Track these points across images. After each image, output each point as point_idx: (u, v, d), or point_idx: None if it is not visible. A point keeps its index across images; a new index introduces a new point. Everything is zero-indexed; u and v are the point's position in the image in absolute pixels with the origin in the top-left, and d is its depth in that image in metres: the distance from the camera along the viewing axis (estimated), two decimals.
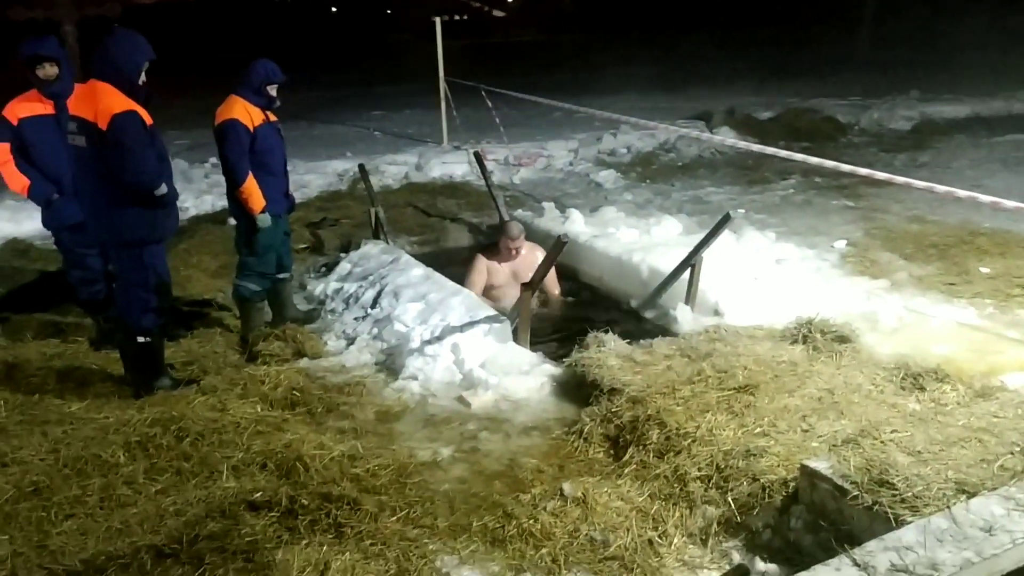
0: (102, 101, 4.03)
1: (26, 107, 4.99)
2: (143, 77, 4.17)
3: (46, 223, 5.26)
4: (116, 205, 4.21)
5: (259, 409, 4.20)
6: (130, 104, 4.07)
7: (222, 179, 5.28)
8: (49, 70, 4.94)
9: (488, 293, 5.96)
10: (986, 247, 6.43)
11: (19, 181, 5.04)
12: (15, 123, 4.98)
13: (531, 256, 5.99)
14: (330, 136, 13.01)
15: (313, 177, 10.01)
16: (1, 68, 9.07)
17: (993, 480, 2.82)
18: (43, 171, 5.03)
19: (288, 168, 5.58)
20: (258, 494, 3.39)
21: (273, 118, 5.28)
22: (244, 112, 5.03)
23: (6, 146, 5.01)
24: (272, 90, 5.12)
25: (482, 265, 6.02)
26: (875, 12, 20.96)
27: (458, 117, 11.77)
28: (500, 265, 6.05)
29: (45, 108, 4.99)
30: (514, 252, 5.98)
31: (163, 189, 4.21)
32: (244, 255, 5.32)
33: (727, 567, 3.07)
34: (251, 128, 5.02)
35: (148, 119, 4.15)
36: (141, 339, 4.45)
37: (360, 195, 8.80)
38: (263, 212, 5.13)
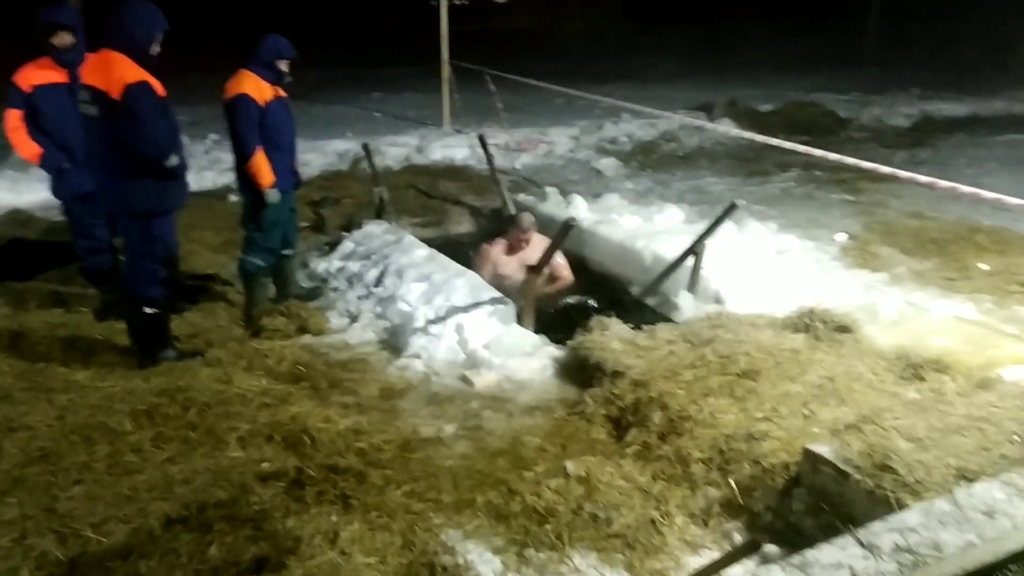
0: (115, 71, 4.02)
1: (40, 74, 4.98)
2: (156, 47, 4.16)
3: (56, 192, 5.25)
4: (126, 175, 4.21)
5: (264, 382, 4.23)
6: (143, 74, 4.06)
7: (222, 155, 5.31)
8: (64, 38, 4.92)
9: (495, 283, 5.83)
10: (985, 244, 6.48)
11: (31, 148, 5.03)
12: (29, 90, 4.97)
13: (540, 246, 5.88)
14: (330, 116, 12.97)
15: (313, 156, 9.98)
16: (6, 37, 9.01)
17: (993, 467, 2.87)
18: (55, 139, 5.03)
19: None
20: (265, 464, 3.42)
21: (283, 94, 5.28)
22: (254, 86, 5.02)
23: (18, 113, 5.00)
24: (283, 65, 5.12)
25: (488, 255, 6.07)
26: (881, 9, 20.96)
27: (459, 100, 11.75)
28: (508, 256, 6.10)
29: (59, 76, 4.99)
30: (524, 244, 6.01)
31: (174, 160, 4.21)
32: (251, 230, 5.33)
33: (728, 547, 3.12)
34: (261, 103, 5.01)
35: (161, 90, 4.14)
36: (148, 310, 4.46)
37: (361, 175, 8.80)
38: (272, 187, 5.13)
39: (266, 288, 5.55)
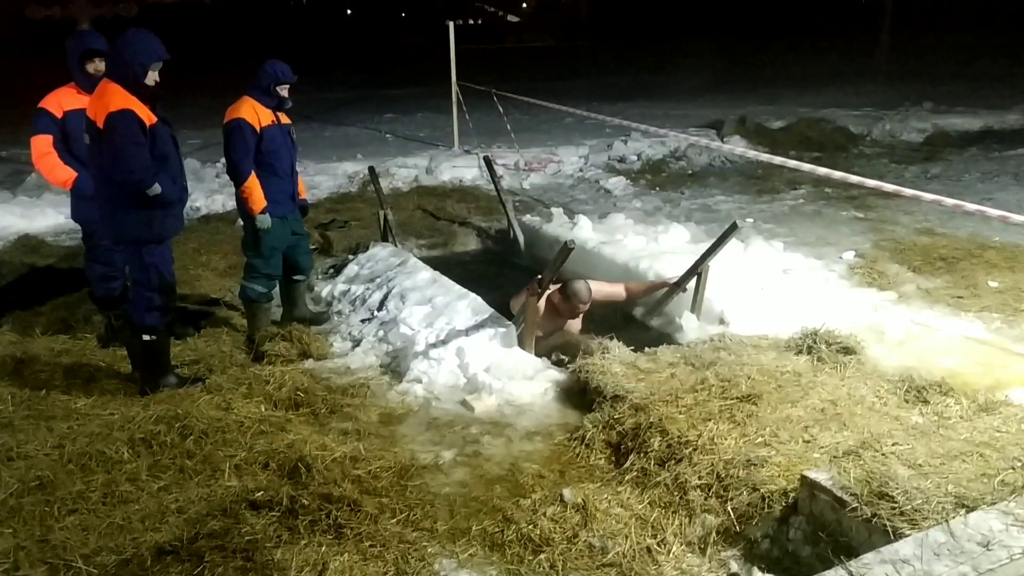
0: (103, 99, 4.10)
1: (71, 100, 5.02)
2: (154, 77, 4.20)
3: (79, 216, 5.26)
4: (114, 203, 4.29)
5: (263, 409, 4.24)
6: (129, 103, 4.11)
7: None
8: (99, 65, 4.96)
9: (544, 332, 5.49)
10: (995, 261, 6.40)
11: (64, 173, 5.05)
12: (60, 116, 5.02)
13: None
14: (341, 138, 13.07)
15: (323, 178, 10.05)
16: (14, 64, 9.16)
17: (993, 495, 2.82)
18: (84, 164, 5.07)
19: (298, 170, 5.62)
20: (259, 493, 3.41)
21: (285, 120, 5.32)
22: (252, 112, 5.07)
23: (49, 138, 5.02)
24: (282, 90, 5.16)
25: (537, 309, 5.28)
26: (893, 25, 20.98)
27: (470, 121, 11.80)
28: (557, 316, 5.56)
29: (87, 102, 5.05)
30: (579, 312, 5.52)
31: (156, 189, 4.23)
32: (250, 256, 5.36)
33: None
34: (257, 128, 5.07)
35: (149, 118, 4.19)
36: (146, 337, 4.48)
37: (370, 197, 8.83)
38: (262, 213, 5.17)
39: (268, 313, 5.56)
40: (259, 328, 5.37)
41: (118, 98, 4.10)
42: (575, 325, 5.62)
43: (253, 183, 5.09)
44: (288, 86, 5.19)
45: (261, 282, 5.36)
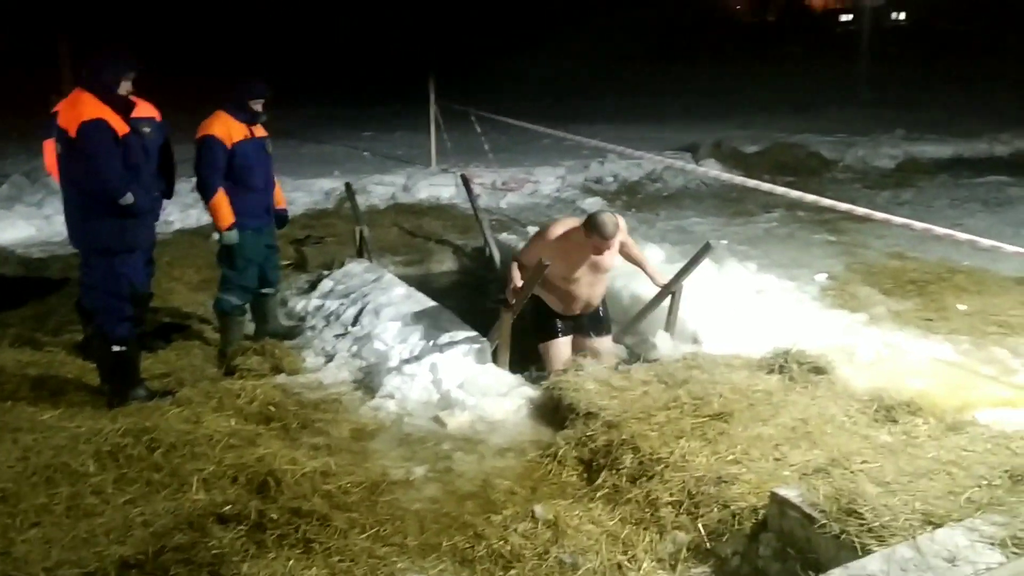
0: (75, 109, 4.10)
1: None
2: (127, 87, 4.21)
3: None
4: (85, 212, 4.29)
5: (233, 423, 4.19)
6: (101, 112, 4.12)
7: None
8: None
9: (554, 277, 4.97)
10: (964, 285, 6.49)
11: None
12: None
13: (618, 249, 5.06)
14: (318, 154, 13.04)
15: (300, 195, 10.01)
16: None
17: (960, 512, 2.84)
18: None
19: (277, 183, 5.62)
20: (227, 507, 3.37)
21: (261, 133, 5.32)
22: (223, 128, 5.09)
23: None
24: (256, 105, 5.17)
25: (547, 245, 4.90)
26: (868, 53, 21.35)
27: (448, 140, 11.83)
28: (580, 254, 4.90)
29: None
30: (606, 250, 4.84)
31: (128, 199, 4.22)
32: (225, 268, 5.34)
33: None
34: (228, 144, 5.08)
35: (121, 128, 4.18)
36: (116, 348, 4.44)
37: (346, 214, 8.81)
38: (229, 229, 5.18)
39: (242, 327, 5.53)
40: (232, 341, 5.34)
41: (90, 108, 4.11)
42: (603, 263, 4.99)
43: (220, 199, 5.11)
44: (262, 100, 5.19)
45: (236, 294, 5.33)
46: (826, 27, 44.32)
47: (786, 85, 23.57)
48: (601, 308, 5.32)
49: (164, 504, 3.46)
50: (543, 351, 5.18)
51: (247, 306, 5.52)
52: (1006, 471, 3.12)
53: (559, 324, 5.16)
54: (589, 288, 5.11)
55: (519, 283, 4.87)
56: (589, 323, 5.25)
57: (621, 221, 4.96)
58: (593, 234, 4.74)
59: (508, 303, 4.91)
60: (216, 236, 7.52)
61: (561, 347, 5.15)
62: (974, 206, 9.93)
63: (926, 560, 2.43)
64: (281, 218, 5.74)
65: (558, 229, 4.99)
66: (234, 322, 5.42)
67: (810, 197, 6.12)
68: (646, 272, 5.33)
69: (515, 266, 4.99)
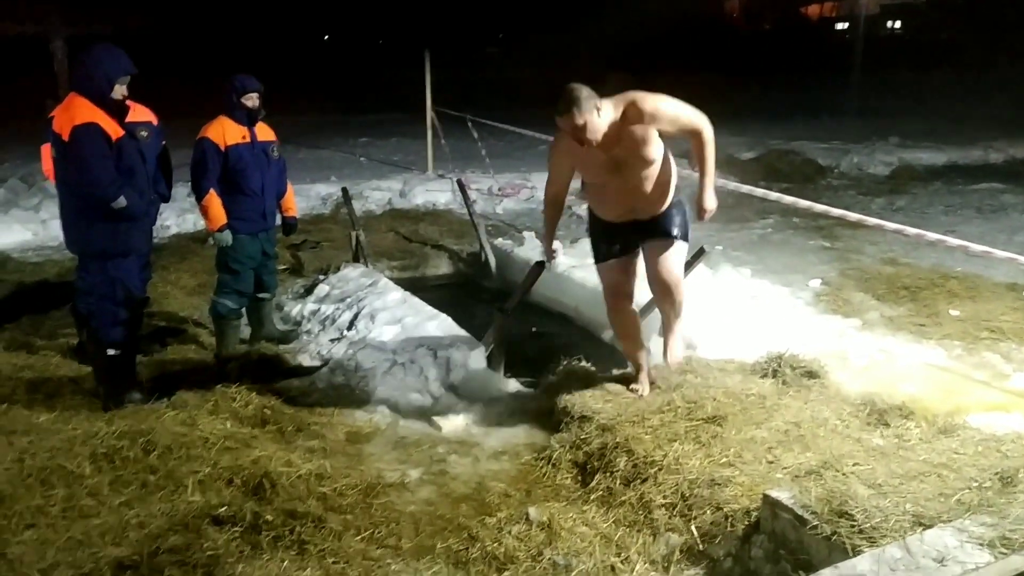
0: (68, 113, 4.12)
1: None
2: (121, 91, 4.23)
3: None
4: (80, 216, 4.31)
5: (229, 425, 4.19)
6: (94, 116, 4.14)
7: None
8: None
9: (588, 185, 4.44)
10: (957, 291, 6.52)
11: None
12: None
13: (606, 124, 3.94)
14: (315, 160, 13.07)
15: (296, 200, 9.99)
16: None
17: (950, 514, 2.86)
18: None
19: (289, 189, 5.73)
20: (222, 509, 3.37)
21: (266, 137, 5.36)
22: (219, 131, 5.15)
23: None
24: (249, 101, 5.20)
25: (556, 154, 4.31)
26: (863, 62, 21.43)
27: (445, 146, 11.86)
28: (582, 155, 4.11)
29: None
30: (583, 134, 3.88)
31: (121, 202, 4.24)
32: (221, 272, 5.36)
33: None
34: (222, 147, 5.11)
35: (115, 132, 4.20)
36: (111, 351, 4.45)
37: (342, 219, 8.83)
38: (220, 231, 5.22)
39: (237, 331, 5.55)
40: (227, 345, 5.36)
41: (84, 111, 4.13)
42: (621, 160, 4.06)
43: (210, 201, 5.16)
44: (255, 95, 5.22)
45: (232, 298, 5.36)
46: (822, 36, 44.48)
47: (781, 93, 23.65)
48: (665, 213, 4.28)
49: (159, 506, 3.46)
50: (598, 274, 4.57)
51: (243, 310, 5.54)
52: (996, 473, 3.15)
53: (604, 245, 4.40)
54: (624, 193, 4.19)
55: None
56: (645, 229, 4.29)
57: (587, 93, 3.85)
58: (559, 115, 3.90)
59: (503, 308, 4.93)
60: (212, 240, 7.59)
61: (605, 272, 4.46)
62: (968, 213, 9.99)
63: (915, 560, 2.45)
64: (289, 225, 5.78)
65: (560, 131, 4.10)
66: (229, 326, 5.43)
67: (804, 203, 6.17)
68: (699, 179, 4.20)
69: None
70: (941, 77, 26.14)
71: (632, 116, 3.97)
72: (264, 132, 5.37)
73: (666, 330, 4.71)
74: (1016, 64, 25.69)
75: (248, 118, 5.22)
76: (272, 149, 5.41)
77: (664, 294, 4.44)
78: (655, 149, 4.08)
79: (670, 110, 4.03)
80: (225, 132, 5.15)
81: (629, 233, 4.34)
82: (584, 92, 3.86)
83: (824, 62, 28.15)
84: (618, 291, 4.48)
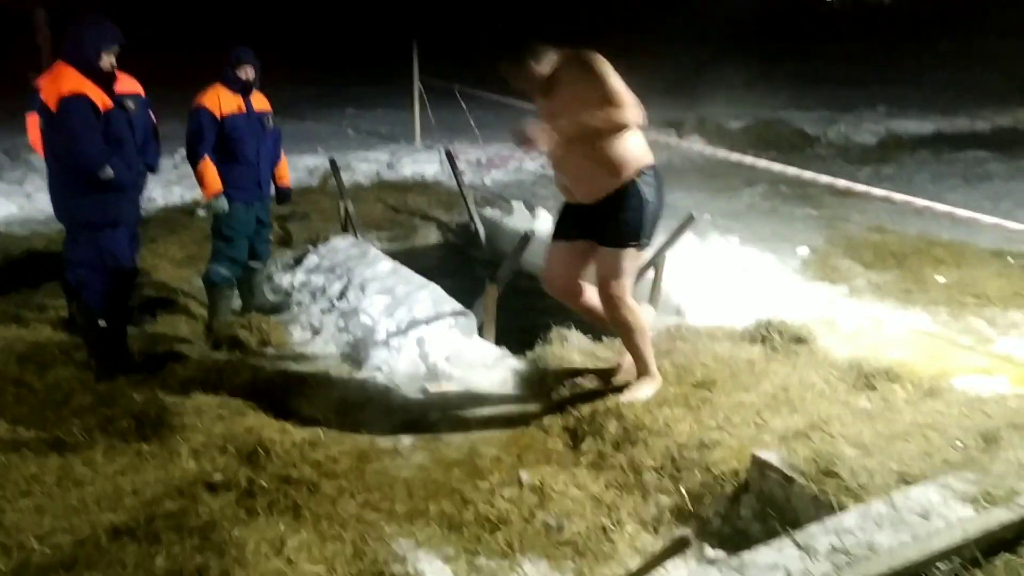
0: (56, 83, 4.09)
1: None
2: (110, 60, 4.19)
3: None
4: (67, 187, 4.30)
5: (221, 395, 4.22)
6: (82, 86, 4.11)
7: (190, 171, 5.38)
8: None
9: None
10: (943, 257, 6.57)
11: None
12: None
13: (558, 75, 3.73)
14: (302, 132, 12.96)
15: None
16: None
17: (935, 472, 2.92)
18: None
19: (283, 159, 5.75)
20: (217, 475, 3.41)
21: (261, 107, 5.39)
22: (214, 99, 5.15)
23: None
24: (242, 73, 5.19)
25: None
26: (849, 31, 21.43)
27: (432, 117, 11.80)
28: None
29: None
30: (527, 82, 3.81)
31: (108, 173, 4.22)
32: (216, 240, 5.38)
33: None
34: (218, 115, 5.12)
35: (103, 102, 4.17)
36: (101, 322, 4.45)
37: (330, 191, 8.80)
38: (216, 198, 5.23)
39: (230, 300, 5.55)
40: (219, 314, 5.37)
41: (71, 81, 4.10)
42: (553, 120, 3.69)
43: (205, 168, 5.17)
44: (249, 67, 5.21)
45: (225, 265, 5.39)
46: (808, 5, 44.27)
47: (769, 63, 23.59)
48: (605, 209, 3.81)
49: (154, 474, 3.49)
50: None
51: (235, 280, 5.55)
52: (980, 433, 3.21)
53: (560, 223, 4.10)
54: (563, 163, 3.85)
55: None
56: (586, 221, 3.91)
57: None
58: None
59: (494, 277, 4.94)
60: (201, 212, 7.57)
61: (551, 251, 4.10)
62: (954, 181, 10.02)
63: (900, 515, 2.50)
64: (283, 194, 5.82)
65: None
66: (222, 295, 5.44)
67: (792, 170, 6.19)
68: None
69: None
70: (928, 46, 26.13)
71: (571, 61, 3.71)
72: (260, 102, 5.39)
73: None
74: (1003, 34, 25.69)
75: (242, 88, 5.21)
76: (267, 119, 5.42)
77: (603, 308, 3.99)
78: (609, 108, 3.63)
79: (605, 67, 3.64)
80: (221, 101, 5.16)
81: (575, 218, 3.96)
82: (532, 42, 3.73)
83: (811, 32, 28.11)
84: (552, 282, 4.09)
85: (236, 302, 5.73)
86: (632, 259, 3.87)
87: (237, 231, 5.36)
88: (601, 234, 3.84)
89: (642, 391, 4.00)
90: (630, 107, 3.65)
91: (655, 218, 3.90)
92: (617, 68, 3.75)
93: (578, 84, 3.67)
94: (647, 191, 3.81)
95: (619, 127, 3.65)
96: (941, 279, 6.10)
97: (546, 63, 3.73)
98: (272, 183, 5.69)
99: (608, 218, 3.81)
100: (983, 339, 5.05)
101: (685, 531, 3.22)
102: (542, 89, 3.79)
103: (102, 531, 3.05)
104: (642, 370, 4.07)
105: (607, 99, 3.61)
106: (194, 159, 5.21)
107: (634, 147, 3.77)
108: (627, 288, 3.89)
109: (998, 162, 10.97)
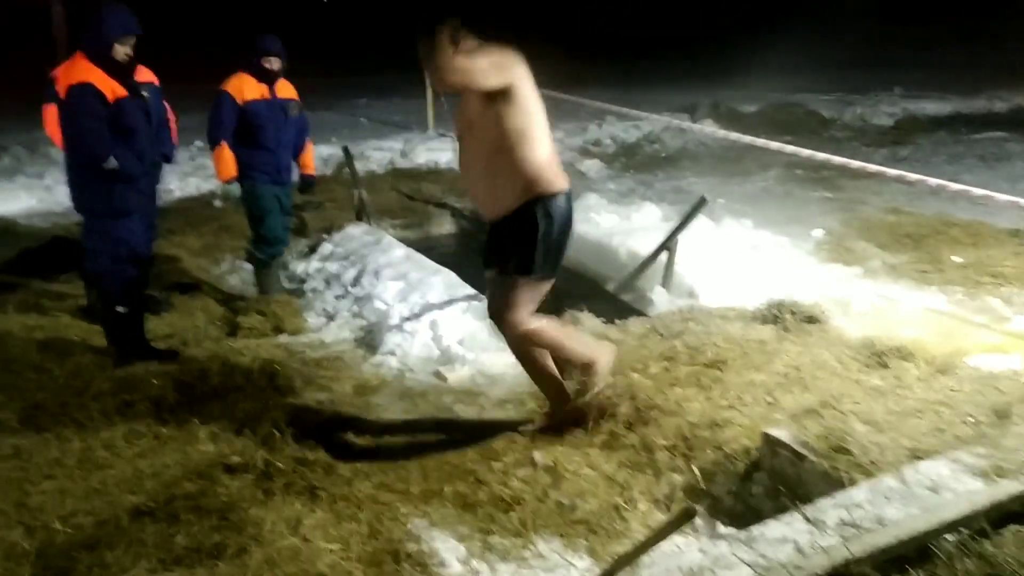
0: (68, 73, 4.14)
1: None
2: (125, 51, 4.22)
3: None
4: (79, 175, 4.35)
5: (238, 380, 4.27)
6: (90, 75, 4.14)
7: (207, 162, 5.48)
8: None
9: None
10: (959, 238, 6.54)
11: None
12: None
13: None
14: (315, 122, 12.81)
15: None
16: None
17: (945, 447, 2.92)
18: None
19: (309, 147, 5.91)
20: (235, 457, 3.46)
21: (286, 95, 5.50)
22: (237, 86, 5.29)
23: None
24: (267, 63, 5.30)
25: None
26: (864, 12, 21.21)
27: (445, 104, 11.80)
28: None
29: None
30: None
31: (112, 163, 4.23)
32: (252, 224, 5.64)
33: (688, 531, 3.15)
34: (240, 102, 5.26)
35: (113, 92, 4.19)
36: (120, 310, 4.51)
37: (344, 179, 8.84)
38: (228, 183, 5.43)
39: (276, 276, 5.83)
40: (268, 291, 5.65)
41: (81, 71, 4.14)
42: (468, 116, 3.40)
43: (221, 152, 5.30)
44: (275, 57, 5.30)
45: (264, 247, 5.64)
46: None
47: (784, 46, 23.40)
48: (503, 222, 3.42)
49: (173, 456, 3.54)
50: None
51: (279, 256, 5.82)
52: (992, 409, 3.21)
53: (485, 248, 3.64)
54: (468, 168, 3.52)
55: None
56: (492, 241, 3.55)
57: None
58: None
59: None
60: (217, 203, 7.66)
61: (487, 282, 3.69)
62: (972, 162, 9.95)
63: (910, 489, 2.51)
64: (306, 183, 6.00)
65: None
66: (266, 273, 5.71)
67: (805, 152, 6.16)
68: None
69: None
70: (946, 26, 25.82)
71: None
72: (285, 90, 5.50)
73: None
74: (1021, 13, 25.33)
75: (267, 77, 5.29)
76: (291, 107, 5.49)
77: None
78: (508, 112, 3.22)
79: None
80: (243, 87, 5.28)
81: (488, 240, 3.54)
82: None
83: (826, 12, 27.82)
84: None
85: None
86: (527, 290, 3.43)
87: (266, 209, 5.53)
88: (496, 256, 3.48)
89: (544, 425, 3.77)
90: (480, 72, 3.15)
91: (554, 251, 3.41)
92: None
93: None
94: (544, 220, 3.32)
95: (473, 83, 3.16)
96: (957, 259, 6.07)
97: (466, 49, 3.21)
98: (297, 170, 5.82)
99: (503, 240, 3.44)
100: (999, 318, 5.02)
101: (701, 509, 3.23)
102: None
103: (123, 512, 3.11)
104: (553, 402, 3.77)
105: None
106: (211, 143, 5.35)
107: (544, 167, 3.32)
108: (523, 317, 3.46)
109: (1017, 142, 10.88)
